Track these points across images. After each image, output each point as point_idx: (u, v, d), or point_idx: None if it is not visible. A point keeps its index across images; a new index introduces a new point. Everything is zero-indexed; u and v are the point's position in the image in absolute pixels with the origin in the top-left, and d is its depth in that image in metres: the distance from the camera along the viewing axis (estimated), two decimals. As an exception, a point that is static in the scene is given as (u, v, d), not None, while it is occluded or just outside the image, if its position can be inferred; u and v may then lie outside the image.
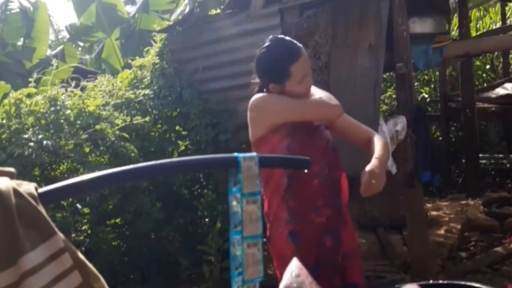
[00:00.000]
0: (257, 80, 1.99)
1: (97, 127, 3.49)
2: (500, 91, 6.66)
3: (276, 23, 4.00)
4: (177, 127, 4.19)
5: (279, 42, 1.91)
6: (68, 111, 3.58)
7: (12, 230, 0.73)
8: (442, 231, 4.65)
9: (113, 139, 3.51)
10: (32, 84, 3.91)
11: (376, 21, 3.68)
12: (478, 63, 8.38)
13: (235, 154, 0.98)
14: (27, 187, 0.78)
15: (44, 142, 3.25)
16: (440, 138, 7.47)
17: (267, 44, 1.93)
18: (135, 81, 4.58)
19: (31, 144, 3.21)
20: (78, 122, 3.53)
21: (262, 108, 1.90)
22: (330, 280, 1.87)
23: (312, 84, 1.95)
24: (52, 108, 3.54)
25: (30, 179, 1.44)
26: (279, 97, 1.89)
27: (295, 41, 1.90)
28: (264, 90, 1.95)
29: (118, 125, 3.69)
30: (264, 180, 1.88)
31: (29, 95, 3.69)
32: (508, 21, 8.51)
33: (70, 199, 3.44)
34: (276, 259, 1.90)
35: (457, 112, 6.54)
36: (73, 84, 4.08)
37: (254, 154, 1.00)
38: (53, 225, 0.78)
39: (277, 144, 1.83)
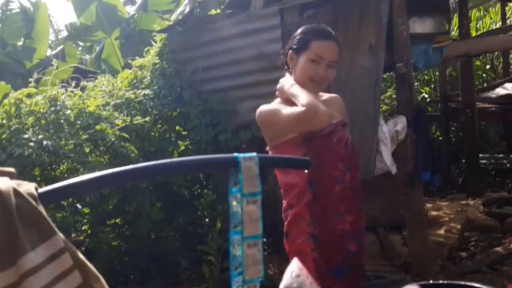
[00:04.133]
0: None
1: (97, 127, 3.49)
2: (500, 91, 6.66)
3: (276, 23, 4.00)
4: (177, 127, 4.19)
5: (320, 26, 2.04)
6: (68, 111, 3.59)
7: (12, 230, 0.73)
8: (442, 231, 4.64)
9: (113, 139, 3.51)
10: (32, 84, 3.91)
11: (376, 21, 3.68)
12: (478, 63, 8.37)
13: (235, 154, 0.97)
14: (27, 187, 0.78)
15: (44, 142, 3.25)
16: (440, 138, 7.46)
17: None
18: (135, 81, 4.58)
19: (31, 144, 3.21)
20: (78, 122, 3.53)
21: (263, 124, 1.93)
22: (356, 282, 1.86)
23: (330, 78, 1.91)
24: (52, 108, 3.54)
25: (30, 179, 1.43)
26: (274, 112, 1.88)
27: (334, 33, 1.95)
28: (286, 54, 1.98)
29: (118, 125, 3.69)
30: (285, 188, 1.88)
31: (29, 95, 3.69)
32: (508, 21, 8.50)
33: (70, 199, 3.44)
34: (293, 255, 1.86)
35: (457, 112, 6.53)
36: (73, 84, 4.08)
37: (254, 154, 0.99)
38: (53, 225, 0.78)
39: (293, 152, 1.81)
